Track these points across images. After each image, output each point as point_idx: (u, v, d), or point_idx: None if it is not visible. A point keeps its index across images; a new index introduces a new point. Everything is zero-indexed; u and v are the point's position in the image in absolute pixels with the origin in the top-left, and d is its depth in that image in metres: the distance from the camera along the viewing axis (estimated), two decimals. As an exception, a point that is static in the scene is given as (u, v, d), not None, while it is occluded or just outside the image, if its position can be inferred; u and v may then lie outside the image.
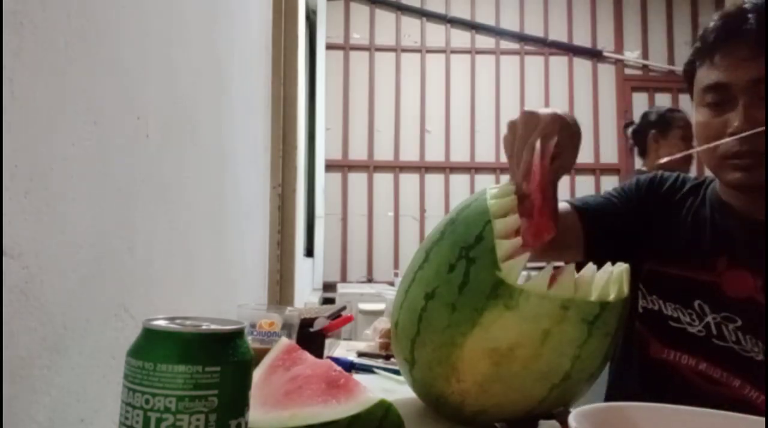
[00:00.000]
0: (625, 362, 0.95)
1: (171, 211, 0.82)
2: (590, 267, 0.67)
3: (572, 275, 0.64)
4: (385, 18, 4.43)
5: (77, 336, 0.54)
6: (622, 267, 0.67)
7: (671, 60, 4.44)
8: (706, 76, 0.85)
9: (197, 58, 0.96)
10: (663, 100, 4.35)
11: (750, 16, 0.81)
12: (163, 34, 0.79)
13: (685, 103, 4.41)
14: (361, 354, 1.09)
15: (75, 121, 0.54)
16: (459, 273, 0.65)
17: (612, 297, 0.64)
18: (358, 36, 4.41)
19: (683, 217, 0.93)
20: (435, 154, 4.35)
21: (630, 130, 2.49)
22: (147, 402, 0.37)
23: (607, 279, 0.65)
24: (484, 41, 4.47)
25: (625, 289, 0.65)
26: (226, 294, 1.20)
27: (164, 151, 0.79)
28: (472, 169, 4.36)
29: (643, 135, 2.37)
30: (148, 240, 0.72)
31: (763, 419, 0.51)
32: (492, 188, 0.71)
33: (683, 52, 4.42)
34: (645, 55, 4.46)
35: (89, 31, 0.57)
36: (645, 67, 4.48)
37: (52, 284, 0.50)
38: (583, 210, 0.95)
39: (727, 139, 0.81)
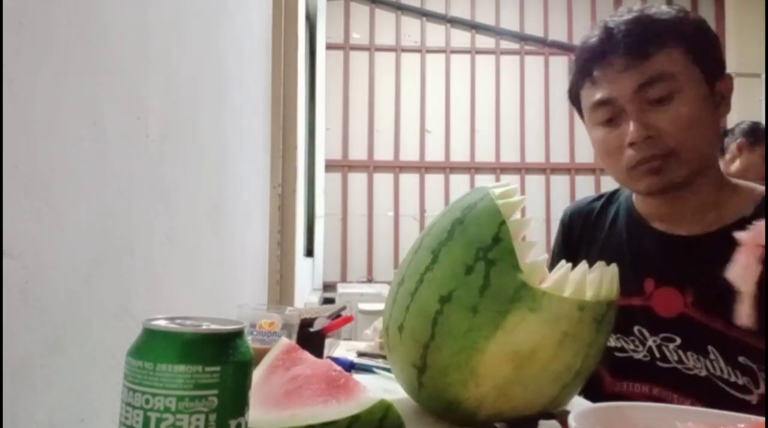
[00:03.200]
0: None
1: (171, 211, 0.82)
2: (582, 266, 0.67)
3: (583, 275, 0.65)
4: (385, 18, 4.44)
5: (77, 336, 0.54)
6: (611, 267, 0.68)
7: (671, 60, 4.45)
8: (590, 95, 0.86)
9: (197, 59, 0.96)
10: (663, 100, 4.35)
11: (614, 29, 0.83)
12: (163, 34, 0.79)
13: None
14: (361, 354, 1.09)
15: (75, 121, 0.54)
16: (479, 275, 0.63)
17: (613, 295, 0.66)
18: (358, 36, 4.41)
19: (603, 244, 0.95)
20: (435, 153, 4.35)
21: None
22: (147, 402, 0.37)
23: (600, 278, 0.65)
24: (484, 41, 4.47)
25: (615, 287, 0.67)
26: (226, 294, 1.20)
27: (164, 152, 0.79)
28: (472, 168, 4.36)
29: (731, 138, 2.43)
30: (148, 240, 0.72)
31: (762, 418, 0.51)
32: (492, 188, 0.71)
33: (683, 52, 4.43)
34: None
35: (89, 31, 0.57)
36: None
37: (51, 284, 0.50)
38: None
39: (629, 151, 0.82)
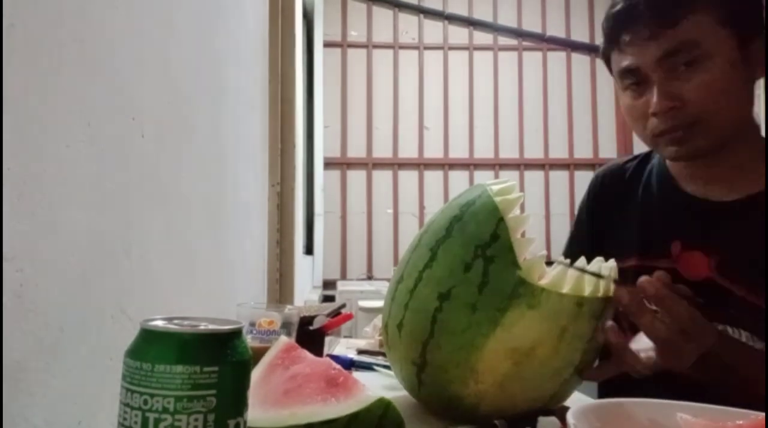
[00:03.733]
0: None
1: (168, 211, 0.82)
2: (581, 261, 0.68)
3: (579, 271, 0.66)
4: (383, 15, 4.43)
5: (74, 338, 0.54)
6: (610, 262, 0.69)
7: (669, 54, 4.44)
8: (617, 61, 0.86)
9: (193, 57, 0.96)
10: (661, 94, 4.35)
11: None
12: (158, 33, 0.78)
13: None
14: (361, 352, 1.09)
15: (69, 122, 0.54)
16: (477, 272, 0.64)
17: (611, 291, 0.66)
18: (356, 33, 4.40)
19: (635, 206, 0.94)
20: (434, 150, 4.35)
21: None
22: (145, 402, 0.36)
23: (610, 273, 0.67)
24: (482, 37, 4.47)
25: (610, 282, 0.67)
26: (226, 293, 1.20)
27: (160, 152, 0.78)
28: (471, 165, 4.36)
29: None
30: (145, 240, 0.72)
31: (762, 414, 0.51)
32: (490, 185, 0.71)
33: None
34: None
35: (82, 31, 0.57)
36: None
37: (47, 286, 0.50)
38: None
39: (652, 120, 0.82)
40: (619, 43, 0.84)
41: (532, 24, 4.47)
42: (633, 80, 0.83)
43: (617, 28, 0.84)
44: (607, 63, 0.90)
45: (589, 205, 1.03)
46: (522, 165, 4.39)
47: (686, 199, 0.88)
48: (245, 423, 0.40)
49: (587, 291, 0.64)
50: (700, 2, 0.78)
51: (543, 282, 0.64)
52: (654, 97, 0.80)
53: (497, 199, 0.67)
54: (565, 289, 0.64)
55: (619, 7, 0.84)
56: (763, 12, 0.83)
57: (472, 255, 0.64)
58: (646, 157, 0.99)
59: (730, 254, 0.81)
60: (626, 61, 0.83)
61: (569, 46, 4.47)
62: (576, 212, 1.08)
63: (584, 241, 1.01)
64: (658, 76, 0.80)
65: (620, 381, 0.74)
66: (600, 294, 0.65)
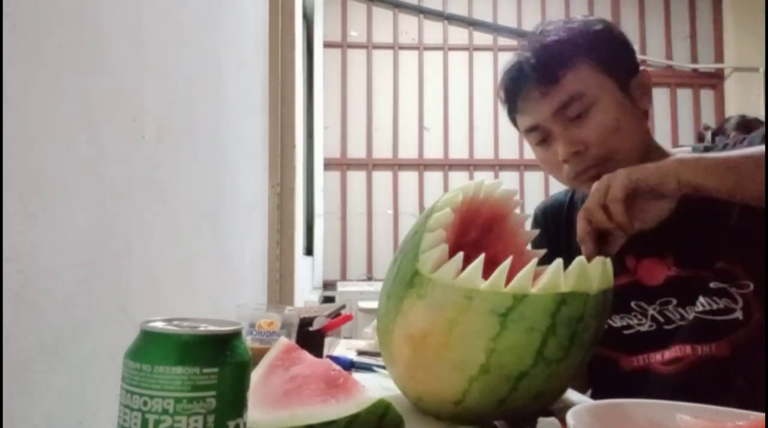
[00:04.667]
0: (601, 387, 0.98)
1: (168, 212, 0.82)
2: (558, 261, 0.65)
3: (530, 271, 0.61)
4: (383, 15, 4.43)
5: (75, 339, 0.54)
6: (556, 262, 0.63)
7: (669, 55, 4.44)
8: (521, 123, 0.94)
9: (193, 58, 0.96)
10: (660, 95, 4.35)
11: (523, 63, 0.89)
12: (159, 34, 0.79)
13: (684, 97, 4.41)
14: (361, 353, 1.09)
15: (70, 123, 0.54)
16: (395, 265, 0.70)
17: (534, 290, 0.60)
18: (356, 34, 4.40)
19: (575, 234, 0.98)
20: (434, 151, 4.35)
21: (709, 132, 2.62)
22: (145, 404, 0.37)
23: (554, 273, 0.61)
24: (482, 38, 4.46)
25: (528, 280, 0.61)
26: (226, 294, 1.20)
27: (161, 152, 0.78)
28: (471, 165, 4.36)
29: (725, 136, 2.46)
30: (145, 241, 0.72)
31: (762, 414, 0.51)
32: (462, 186, 0.74)
33: (681, 47, 4.42)
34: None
35: (83, 32, 0.57)
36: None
37: (48, 287, 0.50)
38: None
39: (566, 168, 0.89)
40: (516, 107, 0.92)
41: (531, 24, 4.46)
42: (538, 137, 0.91)
43: (512, 95, 0.93)
44: (515, 125, 0.98)
45: (545, 240, 1.02)
46: (522, 165, 4.39)
47: None
48: (245, 424, 0.40)
49: (483, 285, 0.61)
50: (577, 59, 0.87)
51: (433, 273, 0.63)
52: (561, 145, 0.87)
53: (443, 197, 0.71)
54: (456, 280, 0.62)
55: (508, 77, 0.93)
56: (634, 55, 0.93)
57: (399, 251, 0.72)
58: (570, 191, 1.06)
59: (680, 248, 0.87)
60: (527, 121, 0.91)
61: (569, 46, 4.47)
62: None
63: None
64: (558, 128, 0.88)
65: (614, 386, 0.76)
66: (503, 289, 0.60)
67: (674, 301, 0.88)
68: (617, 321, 0.92)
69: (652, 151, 0.90)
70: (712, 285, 0.85)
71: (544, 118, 0.89)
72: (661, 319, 0.89)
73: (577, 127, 0.87)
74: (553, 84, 0.87)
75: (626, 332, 0.92)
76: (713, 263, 0.85)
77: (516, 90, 0.92)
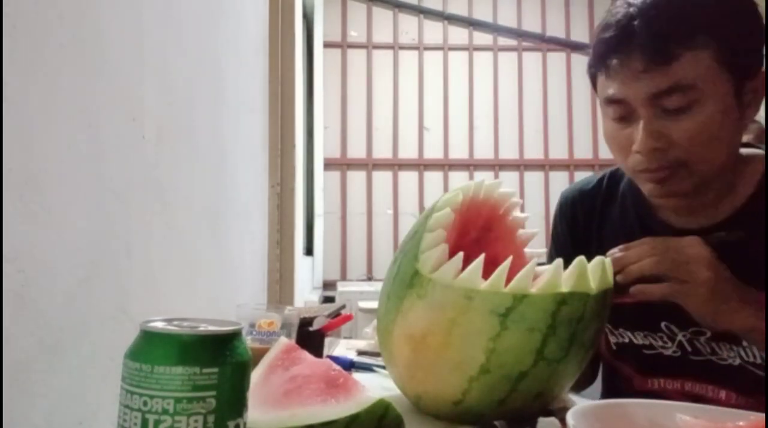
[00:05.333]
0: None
1: (168, 212, 0.82)
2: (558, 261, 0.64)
3: (530, 271, 0.61)
4: (383, 15, 4.43)
5: (75, 339, 0.54)
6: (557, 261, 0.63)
7: (669, 54, 4.44)
8: (604, 87, 0.79)
9: (193, 59, 0.96)
10: (661, 95, 4.35)
11: (635, 24, 0.73)
12: (159, 35, 0.79)
13: (684, 97, 4.41)
14: (361, 353, 1.09)
15: (70, 123, 0.54)
16: (395, 265, 0.70)
17: (534, 290, 0.60)
18: (356, 34, 4.40)
19: (611, 230, 0.91)
20: (434, 151, 4.35)
21: None
22: (145, 404, 0.37)
23: (554, 273, 0.61)
24: (482, 38, 4.46)
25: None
26: (226, 294, 1.20)
27: (161, 152, 0.78)
28: (471, 165, 4.35)
29: None
30: (145, 241, 0.72)
31: (762, 415, 0.51)
32: (461, 187, 0.73)
33: (681, 47, 4.42)
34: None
35: (83, 32, 0.57)
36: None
37: (48, 287, 0.50)
38: None
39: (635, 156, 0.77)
40: (609, 69, 0.77)
41: (531, 24, 4.47)
42: (618, 112, 0.78)
43: (609, 53, 0.76)
44: (593, 81, 0.84)
45: (564, 229, 0.98)
46: (522, 165, 4.39)
47: (671, 230, 0.83)
48: (245, 424, 0.40)
49: (484, 285, 0.61)
50: (701, 39, 0.71)
51: (433, 273, 0.63)
52: (639, 134, 0.74)
53: (443, 197, 0.71)
54: (456, 280, 0.62)
55: (613, 32, 0.76)
56: (762, 51, 0.77)
57: (399, 252, 0.71)
58: (612, 176, 0.95)
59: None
60: (613, 90, 0.76)
61: (569, 46, 4.46)
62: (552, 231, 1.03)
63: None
64: (647, 113, 0.74)
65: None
66: (502, 289, 0.60)
67: (708, 333, 0.80)
68: (639, 339, 0.85)
69: (730, 165, 0.79)
70: None
71: (636, 96, 0.74)
72: (689, 348, 0.82)
73: (672, 121, 0.73)
74: (666, 62, 0.71)
75: (647, 351, 0.85)
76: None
77: (617, 51, 0.75)
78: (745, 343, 0.78)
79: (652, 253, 0.71)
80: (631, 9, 0.74)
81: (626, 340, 0.87)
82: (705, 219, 0.82)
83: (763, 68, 0.76)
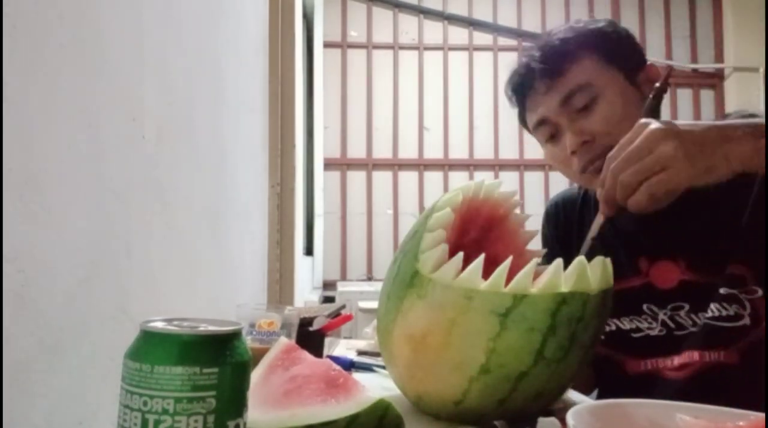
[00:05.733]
0: (607, 389, 0.97)
1: (168, 212, 0.82)
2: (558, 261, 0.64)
3: (530, 271, 0.61)
4: (383, 15, 4.43)
5: (75, 339, 0.54)
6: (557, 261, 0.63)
7: (669, 55, 4.44)
8: (530, 120, 0.95)
9: (193, 58, 0.96)
10: (661, 95, 4.34)
11: (529, 61, 0.91)
12: (159, 34, 0.79)
13: (683, 97, 4.41)
14: (361, 353, 1.09)
15: (69, 123, 0.54)
16: (395, 265, 0.70)
17: (534, 290, 0.60)
18: (356, 34, 4.40)
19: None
20: (434, 151, 4.35)
21: None
22: (145, 404, 0.36)
23: (554, 273, 0.61)
24: (482, 38, 4.46)
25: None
26: (226, 294, 1.20)
27: (161, 152, 0.78)
28: (471, 165, 4.36)
29: None
30: (145, 241, 0.72)
31: (762, 414, 0.51)
32: (460, 187, 0.73)
33: (681, 48, 4.42)
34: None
35: (83, 32, 0.57)
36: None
37: (48, 287, 0.50)
38: None
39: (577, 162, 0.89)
40: (525, 104, 0.94)
41: (531, 24, 4.47)
42: (547, 132, 0.92)
43: (519, 93, 0.95)
44: (525, 126, 0.99)
45: (552, 231, 1.08)
46: (522, 165, 4.39)
47: (636, 214, 0.84)
48: (245, 424, 0.40)
49: (483, 285, 0.60)
50: (581, 53, 0.88)
51: (433, 273, 0.63)
52: (567, 138, 0.88)
53: (443, 197, 0.71)
54: (456, 281, 0.61)
55: (516, 77, 0.95)
56: (640, 50, 0.93)
57: (399, 251, 0.71)
58: (582, 189, 1.04)
59: (694, 251, 0.86)
60: (536, 116, 0.92)
61: (569, 46, 4.47)
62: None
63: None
64: (565, 119, 0.89)
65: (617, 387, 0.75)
66: (502, 289, 0.60)
67: (686, 307, 0.87)
68: (626, 324, 0.91)
69: None
70: (722, 290, 0.84)
71: (551, 111, 0.90)
72: (672, 325, 0.88)
73: (584, 117, 0.88)
74: (559, 76, 0.88)
75: (635, 335, 0.90)
76: (724, 268, 0.84)
77: (523, 87, 0.93)
78: (713, 305, 0.84)
79: (622, 169, 0.71)
80: (525, 58, 0.93)
81: (614, 328, 0.93)
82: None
83: (648, 63, 0.92)
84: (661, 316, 0.89)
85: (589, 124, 0.87)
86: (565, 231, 1.04)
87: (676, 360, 0.87)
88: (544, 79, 0.89)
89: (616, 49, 0.90)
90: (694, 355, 0.85)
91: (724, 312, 0.83)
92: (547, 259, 1.04)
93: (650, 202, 0.70)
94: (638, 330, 0.90)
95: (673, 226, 0.88)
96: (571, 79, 0.88)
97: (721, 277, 0.84)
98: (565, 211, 1.06)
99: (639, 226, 0.92)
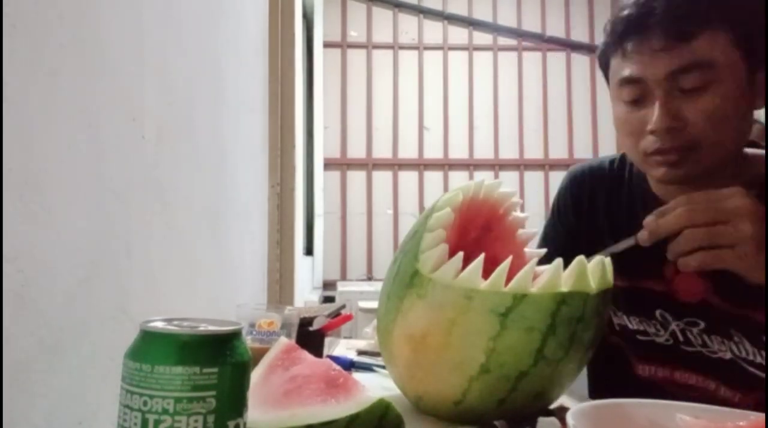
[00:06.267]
0: (603, 381, 0.94)
1: (168, 212, 0.82)
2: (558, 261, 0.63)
3: (530, 271, 0.61)
4: (383, 15, 4.43)
5: (75, 339, 0.54)
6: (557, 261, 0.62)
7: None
8: (618, 68, 0.79)
9: (193, 58, 0.96)
10: (661, 95, 4.34)
11: (654, 2, 0.75)
12: (159, 35, 0.79)
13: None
14: (361, 353, 1.09)
15: (69, 123, 0.54)
16: (395, 265, 0.70)
17: (533, 290, 0.60)
18: (356, 34, 4.40)
19: (621, 219, 0.90)
20: (433, 151, 4.35)
21: None
22: (145, 404, 0.37)
23: (554, 273, 0.61)
24: (482, 37, 4.46)
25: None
26: (226, 294, 1.20)
27: (161, 153, 0.78)
28: (471, 165, 4.36)
29: None
30: (145, 241, 0.72)
31: (762, 414, 0.51)
32: (459, 187, 0.73)
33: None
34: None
35: (83, 32, 0.57)
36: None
37: (48, 287, 0.50)
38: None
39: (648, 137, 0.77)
40: (625, 49, 0.77)
41: (531, 24, 4.47)
42: (633, 93, 0.78)
43: (626, 32, 0.77)
44: (604, 66, 0.84)
45: (569, 202, 0.98)
46: (522, 165, 4.39)
47: None
48: (245, 424, 0.40)
49: (483, 285, 0.61)
50: (718, 19, 0.73)
51: (433, 273, 0.63)
52: (656, 113, 0.74)
53: (443, 197, 0.71)
54: (456, 280, 0.61)
55: (631, 10, 0.77)
56: None
57: (399, 251, 0.71)
58: (622, 160, 0.95)
59: (724, 276, 0.75)
60: (629, 70, 0.77)
61: (569, 46, 4.47)
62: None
63: (563, 239, 0.96)
64: (663, 92, 0.75)
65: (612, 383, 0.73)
66: (502, 288, 0.60)
67: (701, 325, 0.81)
68: (634, 324, 0.87)
69: (736, 156, 0.80)
70: (763, 338, 0.77)
71: (653, 75, 0.75)
72: (681, 338, 0.83)
73: (688, 100, 0.74)
74: (683, 40, 0.73)
75: (640, 337, 0.87)
76: (750, 304, 0.77)
77: (635, 29, 0.76)
78: (736, 338, 0.78)
79: (693, 222, 0.66)
80: None
81: (624, 323, 0.89)
82: None
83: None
84: (673, 327, 0.83)
85: (689, 110, 0.74)
86: (588, 204, 0.94)
87: (678, 376, 0.83)
88: (665, 35, 0.73)
89: (758, 30, 0.74)
90: (709, 384, 0.81)
91: (758, 359, 0.77)
92: (551, 228, 1.00)
93: (697, 268, 0.67)
94: (645, 333, 0.86)
95: None
96: (695, 50, 0.72)
97: (745, 309, 0.78)
98: (592, 184, 0.95)
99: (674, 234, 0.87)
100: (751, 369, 0.78)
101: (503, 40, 4.47)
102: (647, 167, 0.81)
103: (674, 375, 0.84)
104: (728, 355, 0.79)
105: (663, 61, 0.74)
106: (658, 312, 0.85)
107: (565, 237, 0.97)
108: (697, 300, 0.81)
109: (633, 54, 0.76)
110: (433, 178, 4.33)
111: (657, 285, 0.84)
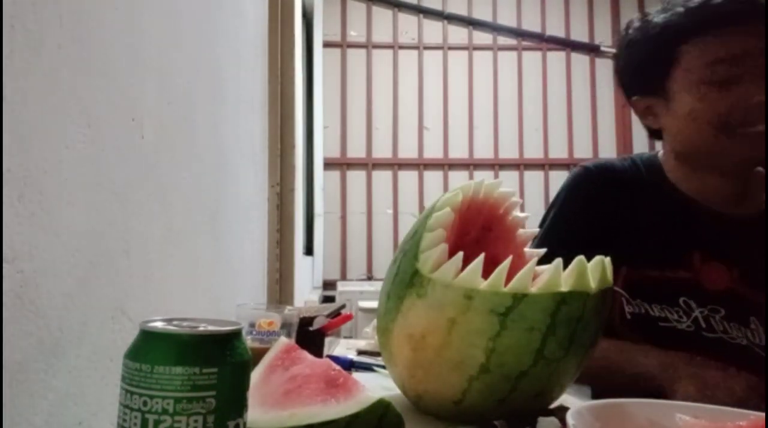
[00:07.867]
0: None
1: (168, 212, 0.82)
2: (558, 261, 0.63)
3: (529, 270, 0.61)
4: (382, 15, 4.43)
5: (74, 339, 0.54)
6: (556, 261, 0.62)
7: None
8: (709, 50, 0.81)
9: (192, 58, 0.96)
10: (661, 95, 4.34)
11: None
12: (157, 34, 0.78)
13: (684, 97, 4.41)
14: (361, 353, 1.09)
15: (68, 123, 0.54)
16: (395, 265, 0.70)
17: (533, 290, 0.60)
18: (356, 33, 4.40)
19: (645, 213, 0.93)
20: (433, 150, 4.35)
21: None
22: (145, 404, 0.37)
23: (554, 272, 0.61)
24: (482, 37, 4.47)
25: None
26: (225, 294, 1.20)
27: (160, 153, 0.78)
28: (471, 165, 4.36)
29: None
30: (144, 241, 0.72)
31: (762, 414, 0.51)
32: (461, 186, 0.73)
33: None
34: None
35: (82, 32, 0.57)
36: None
37: (47, 287, 0.49)
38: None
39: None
40: (722, 27, 0.79)
41: (531, 24, 4.47)
42: (727, 72, 0.79)
43: (718, 13, 0.80)
44: (674, 58, 0.85)
45: (581, 200, 0.97)
46: (522, 165, 4.39)
47: (710, 213, 0.89)
48: (245, 424, 0.40)
49: (483, 284, 0.61)
50: None
51: (433, 273, 0.63)
52: (755, 89, 0.77)
53: (443, 197, 0.71)
54: (456, 280, 0.61)
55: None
56: None
57: (399, 251, 0.72)
58: (648, 162, 0.97)
59: (750, 265, 0.84)
60: (724, 51, 0.79)
61: (569, 46, 4.46)
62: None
63: (581, 242, 0.95)
64: (761, 67, 0.78)
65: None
66: (502, 288, 0.60)
67: (722, 312, 0.85)
68: (656, 311, 0.89)
69: None
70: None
71: (751, 54, 0.78)
72: (704, 325, 0.86)
73: None
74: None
75: (661, 324, 0.88)
76: None
77: (728, 10, 0.80)
78: (752, 325, 0.83)
79: (716, 385, 0.74)
80: None
81: (642, 311, 0.90)
82: (733, 206, 0.88)
83: None
84: (696, 314, 0.86)
85: None
86: (604, 204, 0.94)
87: (697, 361, 0.84)
88: (752, 18, 0.77)
89: None
90: (730, 370, 0.82)
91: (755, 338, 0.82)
92: (551, 226, 0.99)
93: (688, 399, 0.71)
94: (666, 320, 0.88)
95: (743, 236, 0.86)
96: None
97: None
98: (605, 183, 0.95)
99: (712, 225, 0.89)
100: (762, 353, 0.83)
101: (503, 40, 4.47)
102: (743, 143, 0.81)
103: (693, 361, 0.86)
104: (744, 341, 0.84)
105: (755, 40, 0.77)
106: (681, 300, 0.88)
107: (589, 240, 0.94)
108: (722, 288, 0.86)
109: (726, 35, 0.79)
110: (433, 177, 4.33)
111: (682, 273, 0.88)
